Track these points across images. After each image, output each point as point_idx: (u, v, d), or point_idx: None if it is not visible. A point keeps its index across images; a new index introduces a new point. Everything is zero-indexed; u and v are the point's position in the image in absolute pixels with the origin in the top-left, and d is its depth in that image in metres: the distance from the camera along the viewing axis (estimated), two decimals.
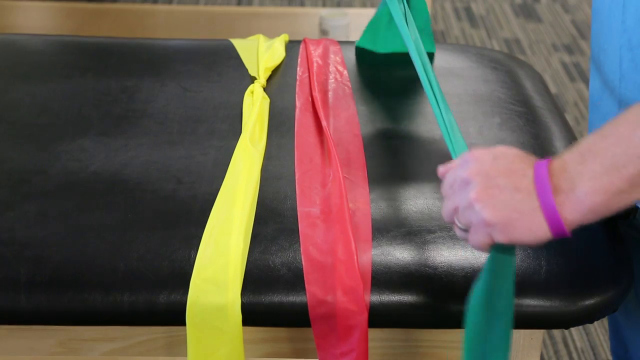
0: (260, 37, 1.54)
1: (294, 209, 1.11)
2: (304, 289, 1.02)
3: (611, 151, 0.85)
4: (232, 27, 3.43)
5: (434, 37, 3.54)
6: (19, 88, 1.38)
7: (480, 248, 0.91)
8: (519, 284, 1.03)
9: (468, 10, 4.16)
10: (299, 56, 1.46)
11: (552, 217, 0.86)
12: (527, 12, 4.16)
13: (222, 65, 1.46)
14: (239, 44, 1.52)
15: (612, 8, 1.08)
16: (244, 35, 1.67)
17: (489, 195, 0.87)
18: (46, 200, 1.12)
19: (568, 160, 0.87)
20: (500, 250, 0.91)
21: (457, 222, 0.91)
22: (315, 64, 1.41)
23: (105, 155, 1.21)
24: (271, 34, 1.58)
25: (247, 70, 1.44)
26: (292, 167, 1.19)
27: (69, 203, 1.12)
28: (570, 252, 1.07)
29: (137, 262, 1.04)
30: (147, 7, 3.99)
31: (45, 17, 3.56)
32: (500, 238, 0.88)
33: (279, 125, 1.29)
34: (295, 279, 1.03)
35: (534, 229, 0.87)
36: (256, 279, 1.03)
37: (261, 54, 1.48)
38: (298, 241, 1.06)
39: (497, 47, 3.81)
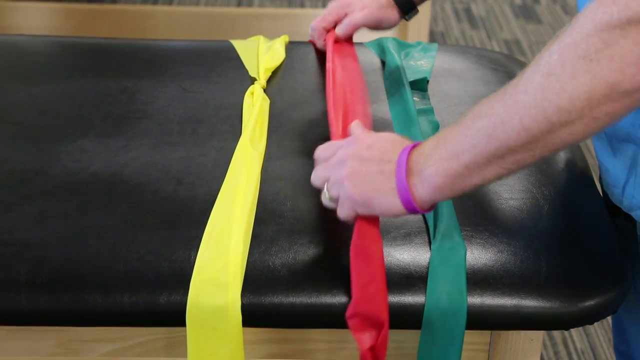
0: (261, 38, 1.54)
1: (294, 210, 1.11)
2: (303, 289, 1.02)
3: (455, 139, 0.96)
4: (232, 28, 3.43)
5: (434, 38, 3.53)
6: (19, 89, 1.38)
7: (346, 219, 1.03)
8: (519, 285, 1.04)
9: (468, 11, 4.16)
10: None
11: (404, 195, 0.98)
12: (527, 13, 4.16)
13: (223, 66, 1.46)
14: (239, 45, 1.52)
15: None
16: (244, 36, 1.67)
17: (357, 175, 1.01)
18: (46, 201, 1.12)
19: (426, 146, 0.99)
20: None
21: (326, 190, 1.04)
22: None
23: (105, 156, 1.21)
24: (271, 35, 1.59)
25: (247, 71, 1.44)
26: (292, 168, 1.19)
27: (69, 204, 1.12)
28: (570, 254, 1.08)
29: (137, 263, 1.04)
30: (147, 8, 3.99)
31: (45, 18, 3.56)
32: (362, 211, 1.01)
33: (279, 126, 1.29)
34: (295, 280, 1.03)
35: (390, 205, 0.99)
36: (256, 279, 1.03)
37: (261, 55, 1.48)
38: (298, 242, 1.06)
39: (497, 48, 3.81)
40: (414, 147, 1.00)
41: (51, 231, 1.07)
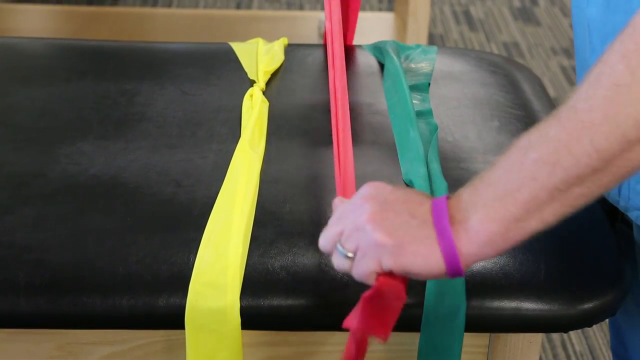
0: (260, 41, 1.54)
1: (293, 213, 1.11)
2: (302, 292, 1.02)
3: (504, 178, 0.82)
4: (231, 31, 3.43)
5: (433, 41, 3.54)
6: (18, 91, 1.38)
7: (365, 276, 0.86)
8: (518, 288, 1.04)
9: (467, 13, 4.16)
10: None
11: (448, 247, 0.82)
12: (526, 16, 4.16)
13: (222, 69, 1.46)
14: (238, 48, 1.52)
15: (579, 30, 1.10)
16: (243, 38, 1.67)
17: (383, 218, 0.84)
18: (45, 204, 1.12)
19: (463, 193, 0.84)
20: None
21: (339, 248, 0.87)
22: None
23: (104, 158, 1.21)
24: (270, 38, 1.58)
25: (246, 73, 1.44)
26: (292, 171, 1.19)
27: (68, 206, 1.12)
28: (568, 256, 1.08)
29: (136, 266, 1.03)
30: (147, 10, 3.99)
31: (45, 20, 3.57)
32: (390, 263, 0.84)
33: (278, 128, 1.29)
34: (294, 283, 1.03)
35: (428, 257, 0.83)
36: (255, 282, 1.02)
37: (260, 57, 1.48)
38: (297, 245, 1.06)
39: (496, 51, 3.81)
40: (447, 197, 0.85)
41: (50, 234, 1.07)
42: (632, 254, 1.16)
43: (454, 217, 0.83)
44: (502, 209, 0.81)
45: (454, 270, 0.83)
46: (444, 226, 0.82)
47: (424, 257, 0.83)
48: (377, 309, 0.86)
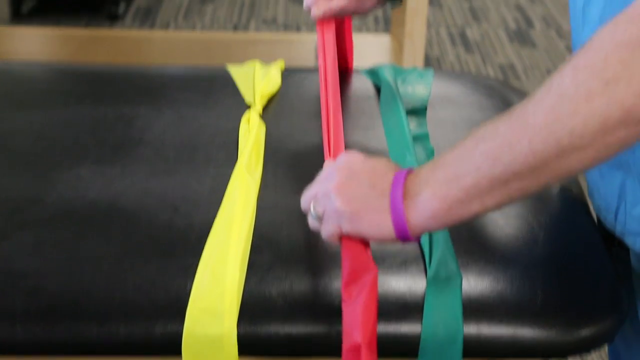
0: (257, 63, 1.54)
1: (290, 238, 1.11)
2: (300, 319, 1.02)
3: (455, 163, 0.90)
4: (228, 53, 3.44)
5: (430, 63, 3.54)
6: (16, 115, 1.38)
7: (330, 238, 0.97)
8: (516, 314, 1.03)
9: (463, 35, 4.17)
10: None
11: (397, 217, 0.92)
12: (522, 38, 4.17)
13: (219, 92, 1.46)
14: (235, 71, 1.52)
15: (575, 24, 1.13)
16: (240, 60, 1.67)
17: (346, 187, 0.95)
18: (42, 229, 1.12)
19: (423, 170, 0.93)
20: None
21: (312, 210, 0.97)
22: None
23: (101, 183, 1.21)
24: (267, 60, 1.59)
25: (243, 97, 1.44)
26: (288, 196, 1.19)
27: (65, 232, 1.11)
28: (566, 282, 1.07)
29: (133, 292, 1.03)
30: (144, 33, 4.00)
31: (42, 43, 3.57)
32: (348, 228, 0.95)
33: (275, 152, 1.29)
34: (291, 309, 1.02)
35: (381, 225, 0.93)
36: (252, 308, 1.02)
37: (257, 81, 1.48)
38: (294, 270, 1.06)
39: (492, 73, 3.81)
40: (409, 171, 0.94)
41: (47, 260, 1.07)
42: (629, 278, 1.16)
43: (409, 191, 0.92)
44: (447, 190, 0.90)
45: (402, 237, 0.93)
46: (396, 198, 0.92)
47: (377, 225, 0.93)
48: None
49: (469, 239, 1.12)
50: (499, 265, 1.08)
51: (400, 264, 1.08)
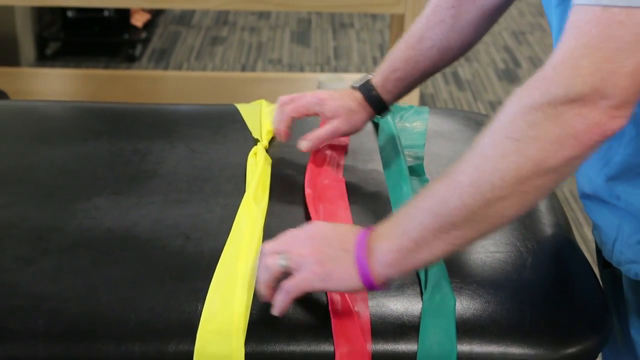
0: (263, 102, 1.54)
1: None
2: (303, 338, 1.02)
3: (404, 219, 0.98)
4: (237, 91, 3.45)
5: (424, 100, 3.54)
6: (39, 151, 1.38)
7: (299, 291, 1.01)
8: (506, 334, 1.03)
9: (455, 74, 4.18)
10: None
11: (363, 270, 0.98)
12: (510, 77, 4.18)
13: (228, 129, 1.46)
14: (243, 109, 1.53)
15: None
16: (247, 98, 1.68)
17: (319, 252, 1.00)
18: (62, 256, 1.11)
19: (380, 227, 0.99)
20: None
21: (281, 262, 1.01)
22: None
23: (118, 213, 1.21)
24: (273, 97, 1.58)
25: (250, 133, 1.44)
26: (293, 224, 1.18)
27: (84, 259, 1.11)
28: (553, 304, 1.07)
29: (147, 314, 1.03)
30: (159, 73, 4.02)
31: (65, 83, 3.59)
32: (319, 286, 1.00)
33: (281, 184, 1.29)
34: (294, 330, 1.02)
35: (349, 279, 0.99)
36: (259, 329, 1.02)
37: (264, 117, 1.48)
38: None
39: (482, 109, 3.82)
40: (370, 229, 1.00)
41: (67, 285, 1.06)
42: (621, 298, 1.16)
43: (370, 246, 0.98)
44: (400, 243, 0.97)
45: (369, 286, 0.99)
46: (360, 255, 0.98)
47: (347, 280, 0.99)
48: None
49: (462, 264, 1.12)
50: (490, 289, 1.08)
51: (398, 287, 1.07)
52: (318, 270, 0.99)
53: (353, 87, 1.35)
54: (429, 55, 1.31)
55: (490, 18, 1.30)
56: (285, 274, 1.01)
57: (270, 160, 1.34)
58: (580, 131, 0.88)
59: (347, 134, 1.36)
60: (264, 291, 1.02)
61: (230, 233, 1.14)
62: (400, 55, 1.33)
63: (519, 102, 0.90)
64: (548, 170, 0.89)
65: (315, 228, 1.05)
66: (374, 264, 0.97)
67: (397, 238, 0.97)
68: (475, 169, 0.92)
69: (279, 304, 1.01)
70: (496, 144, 0.91)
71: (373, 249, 0.98)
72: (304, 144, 1.34)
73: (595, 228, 1.16)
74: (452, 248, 0.96)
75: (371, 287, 0.99)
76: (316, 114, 1.36)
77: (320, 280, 0.99)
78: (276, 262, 1.01)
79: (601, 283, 1.23)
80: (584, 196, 1.15)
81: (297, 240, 1.03)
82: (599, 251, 1.20)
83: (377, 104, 1.34)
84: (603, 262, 1.18)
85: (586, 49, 0.87)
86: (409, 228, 0.96)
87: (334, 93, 1.36)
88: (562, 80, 0.88)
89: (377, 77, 1.34)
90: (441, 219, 0.94)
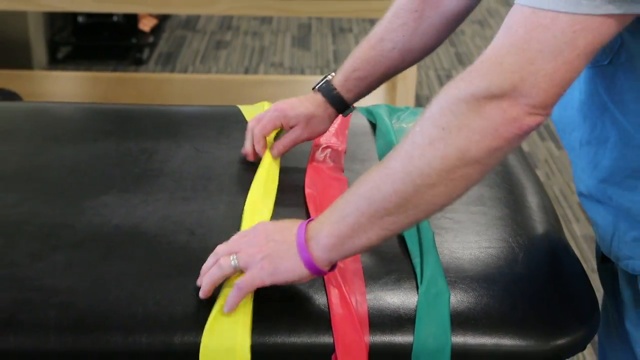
0: (265, 104, 1.54)
1: None
2: (304, 330, 1.02)
3: (341, 206, 0.99)
4: (240, 93, 3.45)
5: (420, 101, 3.54)
6: (50, 151, 1.38)
7: (251, 287, 1.01)
8: (498, 326, 1.03)
9: (450, 77, 4.18)
10: None
11: (305, 257, 0.99)
12: None
13: (231, 129, 1.47)
14: (245, 110, 1.53)
15: None
16: (250, 99, 1.68)
17: (264, 248, 1.01)
18: (72, 252, 1.12)
19: (321, 215, 1.01)
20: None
21: (233, 262, 1.02)
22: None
23: (126, 210, 1.21)
24: (275, 99, 1.59)
25: None
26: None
27: (93, 254, 1.12)
28: (543, 297, 1.07)
29: (154, 307, 1.03)
30: (165, 75, 4.02)
31: (75, 86, 3.59)
32: (270, 280, 1.01)
33: (281, 183, 1.29)
34: (295, 323, 1.03)
35: (295, 268, 1.00)
36: (263, 322, 1.02)
37: None
38: (299, 288, 1.06)
39: None
40: (311, 219, 1.02)
41: (76, 279, 1.07)
42: (616, 289, 1.16)
43: (310, 235, 1.00)
44: (337, 229, 0.98)
45: (315, 272, 1.01)
46: (301, 243, 1.00)
47: (292, 270, 1.00)
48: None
49: (456, 259, 1.12)
50: (483, 283, 1.08)
51: (395, 281, 1.08)
52: (266, 266, 1.01)
53: (314, 89, 1.35)
54: (390, 56, 1.30)
55: (453, 23, 1.29)
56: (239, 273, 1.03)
57: (277, 160, 1.34)
58: (499, 124, 0.90)
59: (309, 139, 1.36)
60: (208, 286, 1.03)
61: (241, 228, 1.16)
62: (361, 55, 1.32)
63: (447, 93, 0.92)
64: (472, 159, 0.91)
65: (260, 226, 1.06)
66: (315, 250, 0.99)
67: (335, 223, 0.98)
68: (406, 155, 0.94)
69: (232, 300, 1.01)
70: (425, 132, 0.93)
71: (313, 236, 1.00)
72: (273, 152, 1.34)
73: (593, 224, 1.16)
74: (387, 233, 0.97)
75: (317, 272, 1.00)
76: (282, 126, 1.35)
77: (269, 274, 1.01)
78: (228, 264, 1.02)
79: (599, 277, 1.24)
80: (581, 194, 1.15)
81: (245, 241, 1.04)
82: (597, 246, 1.20)
83: (339, 103, 1.34)
84: (601, 257, 1.19)
85: (512, 48, 0.89)
86: (346, 213, 0.98)
87: (294, 101, 1.35)
88: (486, 75, 0.90)
89: (338, 77, 1.33)
90: (375, 204, 0.96)
